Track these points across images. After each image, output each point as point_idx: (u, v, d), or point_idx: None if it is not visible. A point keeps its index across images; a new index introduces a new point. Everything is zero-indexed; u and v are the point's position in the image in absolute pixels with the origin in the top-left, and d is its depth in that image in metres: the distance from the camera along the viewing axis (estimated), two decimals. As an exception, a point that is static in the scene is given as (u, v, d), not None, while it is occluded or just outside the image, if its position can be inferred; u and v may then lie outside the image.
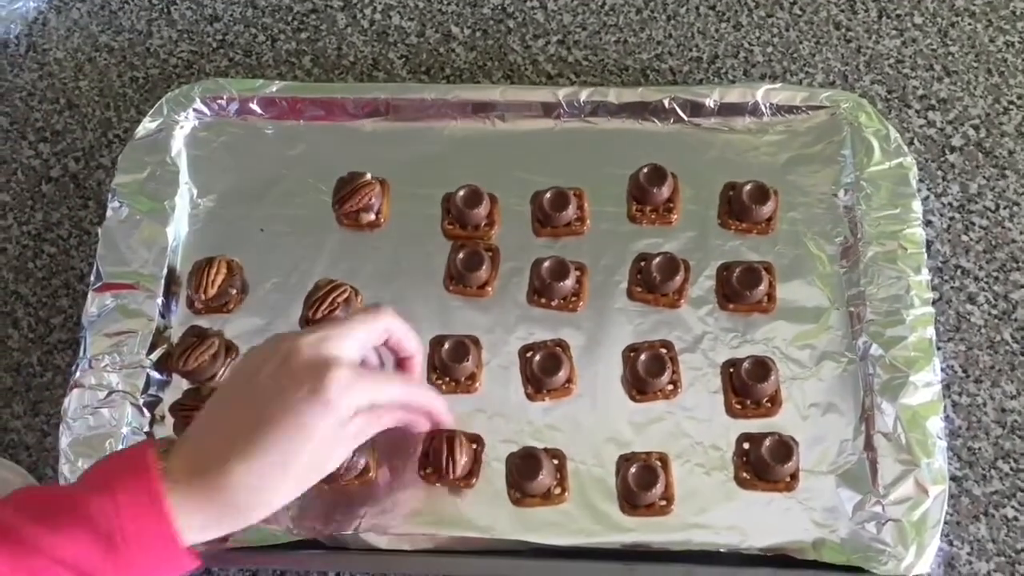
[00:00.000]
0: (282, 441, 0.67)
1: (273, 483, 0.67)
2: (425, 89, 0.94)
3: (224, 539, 0.77)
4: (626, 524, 0.78)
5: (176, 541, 0.64)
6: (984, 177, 0.92)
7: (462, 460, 0.79)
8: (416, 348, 0.78)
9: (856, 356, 0.82)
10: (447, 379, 0.83)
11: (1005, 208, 0.91)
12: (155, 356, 0.84)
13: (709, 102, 0.91)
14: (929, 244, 0.89)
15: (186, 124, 0.93)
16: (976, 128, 0.94)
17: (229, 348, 0.85)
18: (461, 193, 0.89)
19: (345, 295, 0.85)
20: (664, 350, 0.83)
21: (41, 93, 1.01)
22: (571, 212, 0.88)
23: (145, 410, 0.83)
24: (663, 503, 0.78)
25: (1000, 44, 0.98)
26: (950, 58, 0.98)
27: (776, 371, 0.81)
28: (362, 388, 0.70)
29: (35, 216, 0.95)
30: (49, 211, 0.95)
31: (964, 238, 0.90)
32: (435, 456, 0.79)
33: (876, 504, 0.77)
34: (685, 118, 0.92)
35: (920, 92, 0.96)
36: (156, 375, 0.84)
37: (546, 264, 0.86)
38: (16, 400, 0.87)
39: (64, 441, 0.81)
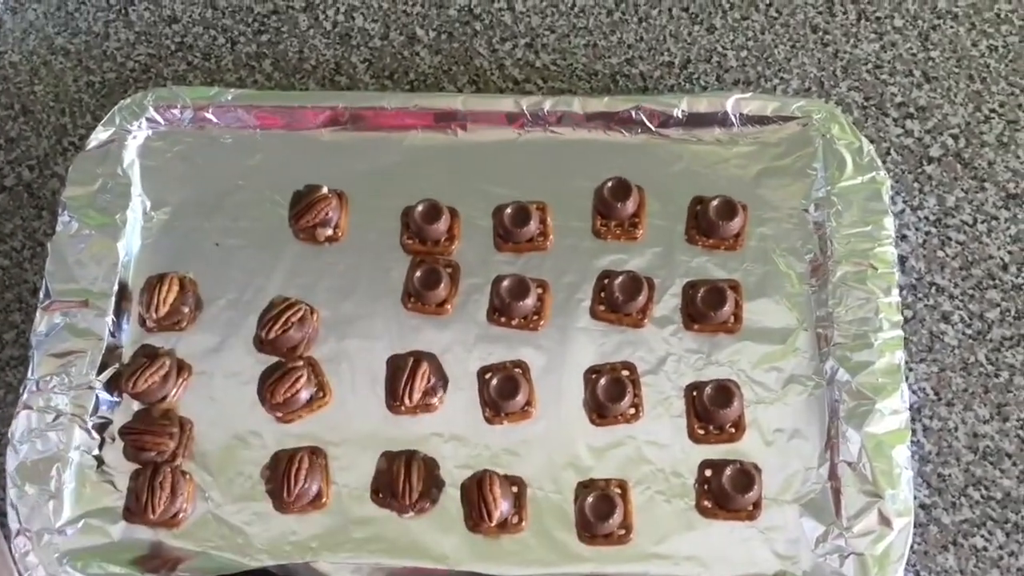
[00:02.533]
0: None
1: None
2: (385, 98, 0.91)
3: (173, 567, 0.77)
4: (584, 554, 0.76)
5: None
6: (962, 189, 0.89)
7: (418, 485, 0.77)
8: None
9: (823, 380, 0.80)
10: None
11: (983, 222, 0.88)
12: (105, 376, 0.82)
13: (677, 112, 0.88)
14: (903, 260, 0.86)
15: (139, 134, 0.91)
16: (955, 138, 0.91)
17: (181, 367, 0.83)
18: (420, 208, 0.86)
19: (300, 314, 0.83)
20: (626, 372, 0.81)
21: (-5, 98, 0.98)
22: (533, 227, 0.86)
23: (94, 432, 0.81)
24: (622, 532, 0.76)
25: (983, 48, 0.95)
26: (930, 63, 0.94)
27: (740, 396, 0.79)
28: None
29: (-12, 227, 0.93)
30: (2, 222, 0.93)
31: (940, 254, 0.87)
32: (391, 480, 0.78)
33: (839, 536, 0.75)
34: (652, 128, 0.89)
35: (898, 99, 0.93)
36: (106, 396, 0.82)
37: (505, 283, 0.83)
38: (-36, 416, 0.85)
39: (11, 465, 0.79)
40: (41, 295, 0.84)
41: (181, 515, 0.78)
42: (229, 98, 0.91)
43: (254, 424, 0.81)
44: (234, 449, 0.81)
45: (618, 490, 0.77)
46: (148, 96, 0.91)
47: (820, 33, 0.96)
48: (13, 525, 0.78)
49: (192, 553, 0.77)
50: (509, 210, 0.86)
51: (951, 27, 0.96)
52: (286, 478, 0.78)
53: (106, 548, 0.78)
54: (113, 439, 0.81)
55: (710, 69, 0.95)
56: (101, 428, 0.81)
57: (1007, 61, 0.94)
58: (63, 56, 1.00)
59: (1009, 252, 0.87)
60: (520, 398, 0.80)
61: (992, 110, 0.92)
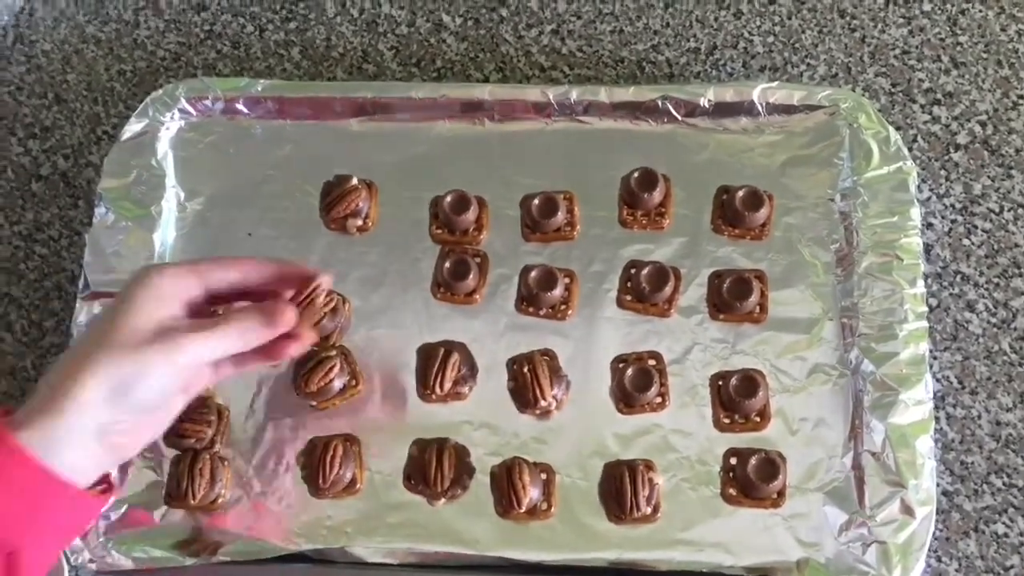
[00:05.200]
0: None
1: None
2: (413, 88, 0.92)
3: (213, 551, 0.79)
4: (612, 539, 0.78)
5: (48, 474, 0.63)
6: (989, 177, 0.89)
7: (449, 472, 0.79)
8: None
9: (848, 370, 0.81)
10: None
11: (1009, 210, 0.88)
12: (143, 365, 0.84)
13: (703, 101, 0.88)
14: (929, 248, 0.87)
15: (172, 125, 0.92)
16: (983, 124, 0.91)
17: (217, 356, 0.85)
18: (448, 199, 0.87)
19: (332, 304, 0.85)
20: (653, 362, 0.82)
21: (29, 87, 1.00)
22: (561, 217, 0.87)
23: (135, 420, 0.83)
24: (649, 511, 0.78)
25: (1012, 33, 0.94)
26: (959, 48, 0.94)
27: (765, 386, 0.80)
28: (176, 268, 0.69)
29: (26, 216, 0.94)
30: (40, 211, 0.95)
31: (965, 242, 0.87)
32: (423, 467, 0.80)
33: (862, 525, 0.76)
34: (679, 118, 0.89)
35: (926, 85, 0.93)
36: (145, 384, 0.84)
37: (533, 274, 0.84)
38: (11, 404, 0.87)
39: (54, 452, 0.81)
40: (80, 286, 0.86)
41: (220, 500, 0.81)
42: (259, 89, 0.92)
43: (289, 412, 0.83)
44: (270, 436, 0.83)
45: (645, 468, 0.79)
46: (180, 87, 0.92)
47: (847, 18, 0.96)
48: (59, 510, 0.80)
49: (231, 537, 0.80)
50: (537, 200, 0.87)
51: (980, 11, 0.95)
52: (321, 465, 0.80)
53: (149, 532, 0.80)
54: (152, 427, 0.83)
55: (736, 55, 0.95)
56: (141, 416, 0.83)
57: (1036, 46, 0.94)
58: (94, 45, 1.01)
59: (1035, 240, 0.87)
60: (548, 387, 0.81)
61: (1021, 96, 0.92)
